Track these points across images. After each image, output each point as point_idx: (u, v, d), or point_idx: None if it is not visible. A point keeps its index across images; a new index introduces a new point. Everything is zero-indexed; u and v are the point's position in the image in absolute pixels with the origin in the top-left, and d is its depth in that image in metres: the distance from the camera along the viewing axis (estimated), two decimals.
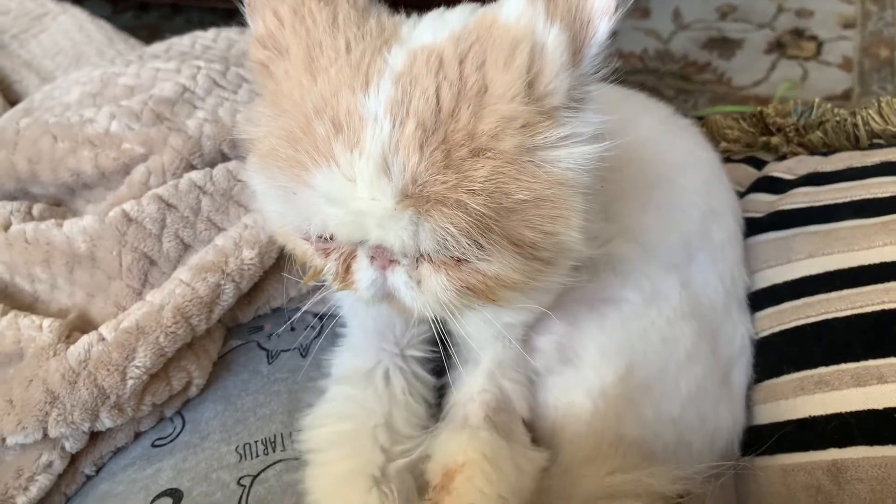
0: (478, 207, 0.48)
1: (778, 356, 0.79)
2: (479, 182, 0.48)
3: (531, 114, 0.49)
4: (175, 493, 0.67)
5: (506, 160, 0.49)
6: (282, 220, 0.57)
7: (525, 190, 0.49)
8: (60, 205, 0.87)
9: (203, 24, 1.22)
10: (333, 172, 0.48)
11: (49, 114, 0.90)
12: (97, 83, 0.95)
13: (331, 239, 0.54)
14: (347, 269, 0.56)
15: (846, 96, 1.77)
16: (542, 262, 0.54)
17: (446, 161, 0.48)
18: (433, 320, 0.59)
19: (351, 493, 0.62)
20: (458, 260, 0.52)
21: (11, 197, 0.86)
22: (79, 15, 1.39)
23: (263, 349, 0.80)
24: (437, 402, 0.73)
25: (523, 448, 0.66)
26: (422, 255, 0.53)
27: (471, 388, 0.68)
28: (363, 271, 0.55)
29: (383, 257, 0.53)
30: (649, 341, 0.72)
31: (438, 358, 0.71)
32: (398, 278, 0.54)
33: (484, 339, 0.68)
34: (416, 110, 0.48)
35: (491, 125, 0.48)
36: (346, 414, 0.67)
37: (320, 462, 0.65)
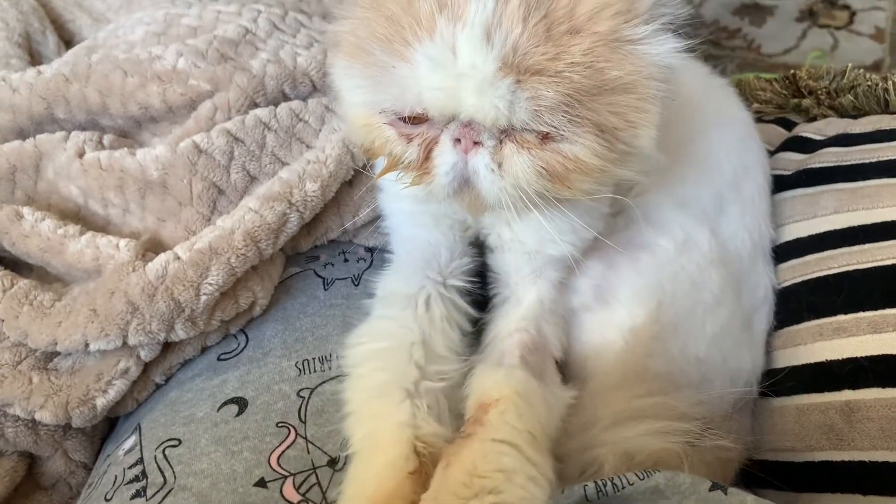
0: (573, 79, 0.52)
1: (799, 304, 0.82)
2: (576, 56, 0.52)
3: (625, 3, 0.54)
4: (240, 401, 0.72)
5: (600, 40, 0.53)
6: (370, 106, 0.59)
7: (616, 69, 0.53)
8: (127, 137, 0.91)
9: None
10: (436, 43, 0.52)
11: (117, 50, 0.94)
12: (161, 23, 0.99)
13: (420, 119, 0.57)
14: (428, 156, 0.58)
15: (876, 67, 1.78)
16: (618, 154, 0.57)
17: (547, 34, 0.52)
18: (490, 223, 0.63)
19: (384, 404, 0.64)
20: (543, 138, 0.55)
21: (82, 128, 0.90)
22: None
23: (319, 277, 0.84)
24: (475, 335, 0.74)
25: (553, 387, 0.68)
26: (508, 134, 0.56)
27: (509, 325, 0.70)
28: (445, 155, 0.57)
29: (468, 138, 0.56)
30: (679, 284, 0.75)
31: (480, 293, 0.75)
32: (479, 161, 0.56)
33: (525, 273, 0.72)
34: None
35: (589, 7, 0.53)
36: (384, 332, 0.70)
37: (357, 375, 0.68)
